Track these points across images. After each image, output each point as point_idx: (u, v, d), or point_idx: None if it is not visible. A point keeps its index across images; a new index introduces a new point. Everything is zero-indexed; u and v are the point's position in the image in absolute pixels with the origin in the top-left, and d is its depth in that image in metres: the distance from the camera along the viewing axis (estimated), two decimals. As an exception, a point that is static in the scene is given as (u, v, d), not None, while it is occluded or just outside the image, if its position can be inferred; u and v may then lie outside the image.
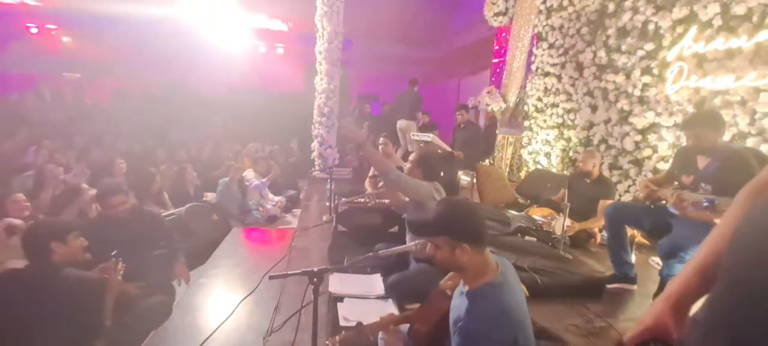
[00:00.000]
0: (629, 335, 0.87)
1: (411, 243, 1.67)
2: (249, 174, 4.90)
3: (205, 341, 1.99)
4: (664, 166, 3.80)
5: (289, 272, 1.56)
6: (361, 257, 1.58)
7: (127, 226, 2.48)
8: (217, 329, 2.10)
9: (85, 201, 2.69)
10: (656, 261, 3.31)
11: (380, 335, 1.60)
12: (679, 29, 3.83)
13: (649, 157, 4.08)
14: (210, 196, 4.54)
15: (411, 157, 2.57)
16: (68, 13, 9.95)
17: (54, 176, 3.36)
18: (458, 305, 1.35)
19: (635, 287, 2.84)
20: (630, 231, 3.01)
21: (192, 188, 4.45)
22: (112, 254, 2.11)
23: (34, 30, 10.66)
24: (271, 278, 1.55)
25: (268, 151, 6.00)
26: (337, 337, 1.49)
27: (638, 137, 4.18)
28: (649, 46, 4.09)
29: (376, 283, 2.44)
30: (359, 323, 1.51)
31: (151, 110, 8.66)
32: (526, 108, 6.18)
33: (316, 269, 1.53)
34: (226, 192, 4.51)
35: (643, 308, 2.66)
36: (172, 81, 10.29)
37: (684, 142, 3.20)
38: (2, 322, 1.68)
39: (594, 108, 4.82)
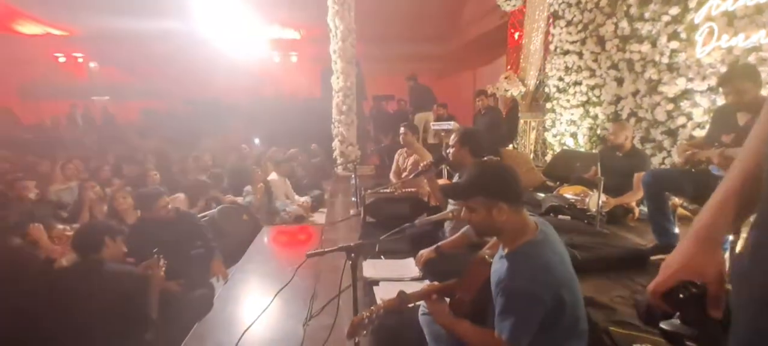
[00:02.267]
0: (655, 282, 0.73)
1: (447, 210, 1.64)
2: (273, 176, 4.98)
3: (246, 329, 2.03)
4: (701, 134, 3.62)
5: (326, 249, 1.56)
6: (396, 229, 1.56)
7: (167, 227, 2.56)
8: (257, 318, 2.13)
9: (123, 208, 2.81)
10: (700, 231, 3.15)
11: (421, 306, 1.58)
12: (706, -11, 3.66)
13: (683, 126, 3.90)
14: (238, 199, 4.65)
15: (452, 140, 2.47)
16: (92, 40, 10.46)
17: (91, 193, 3.51)
18: (499, 267, 1.32)
19: (681, 257, 2.71)
20: (671, 202, 2.87)
21: (219, 192, 4.56)
22: (154, 251, 2.17)
23: (62, 59, 11.25)
24: (308, 256, 1.56)
25: (289, 153, 6.09)
26: (380, 304, 1.48)
27: (670, 106, 4.01)
28: (675, 11, 3.92)
29: (410, 266, 2.42)
30: (401, 292, 1.50)
31: (176, 124, 8.96)
32: (546, 90, 6.04)
33: (352, 244, 1.53)
34: (253, 196, 4.61)
35: (691, 278, 2.53)
36: (193, 95, 10.65)
37: (719, 104, 3.06)
38: (59, 316, 1.75)
39: (620, 81, 4.66)
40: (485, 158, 2.35)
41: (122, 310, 1.82)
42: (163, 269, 2.13)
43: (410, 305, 1.53)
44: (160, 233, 2.44)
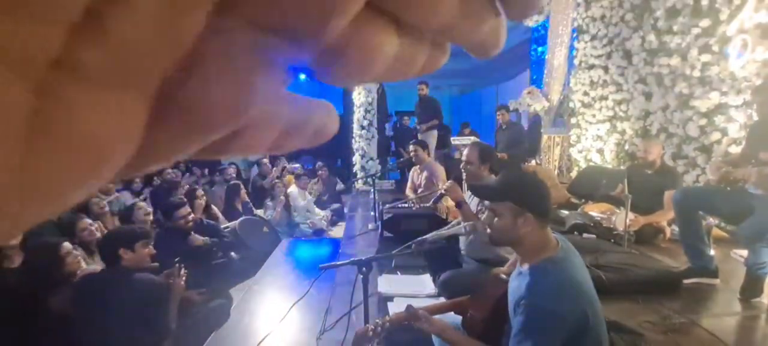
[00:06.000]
0: None
1: (461, 225, 1.62)
2: (293, 190, 5.07)
3: (261, 341, 2.04)
4: (737, 150, 3.44)
5: (339, 263, 1.57)
6: (407, 244, 1.55)
7: (188, 237, 2.65)
8: (272, 330, 2.14)
9: (139, 217, 2.93)
10: (740, 254, 2.95)
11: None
12: (737, 0, 3.52)
13: (718, 142, 3.71)
14: (259, 212, 4.75)
15: (467, 156, 2.44)
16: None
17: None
18: (518, 285, 1.27)
19: (717, 281, 2.55)
20: (705, 222, 2.72)
21: (240, 205, 4.68)
22: (175, 261, 2.24)
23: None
24: (321, 268, 1.57)
25: (310, 168, 6.21)
26: (386, 317, 1.46)
27: (703, 121, 3.83)
28: (705, 23, 3.79)
29: (426, 282, 2.39)
30: (410, 306, 1.47)
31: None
32: (571, 105, 5.91)
33: (364, 258, 1.53)
34: (273, 211, 4.72)
35: (729, 304, 2.37)
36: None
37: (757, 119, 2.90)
38: (82, 322, 1.83)
39: (648, 96, 4.51)
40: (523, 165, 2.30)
41: (143, 317, 1.88)
42: (184, 278, 2.19)
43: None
44: (181, 243, 2.52)
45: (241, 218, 3.84)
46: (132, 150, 0.10)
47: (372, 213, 4.34)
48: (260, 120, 0.12)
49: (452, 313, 1.58)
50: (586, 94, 5.59)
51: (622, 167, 4.72)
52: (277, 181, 5.37)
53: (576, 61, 5.75)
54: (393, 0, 0.11)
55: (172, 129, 0.10)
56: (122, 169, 0.10)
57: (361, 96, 6.03)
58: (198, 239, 2.73)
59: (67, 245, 2.12)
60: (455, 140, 5.30)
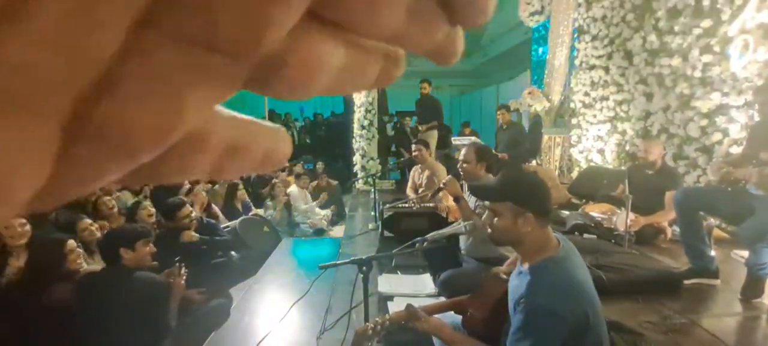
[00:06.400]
0: None
1: (460, 224, 1.62)
2: (293, 189, 5.08)
3: (261, 340, 2.04)
4: (739, 151, 3.43)
5: (339, 262, 1.57)
6: (407, 243, 1.55)
7: (182, 233, 2.65)
8: (272, 329, 2.15)
9: (142, 217, 2.94)
10: (740, 254, 2.95)
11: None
12: (739, 1, 3.52)
13: (719, 142, 3.71)
14: (259, 211, 4.76)
15: (464, 155, 2.44)
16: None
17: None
18: (518, 284, 1.27)
19: (718, 281, 2.54)
20: (706, 222, 2.72)
21: (240, 204, 4.69)
22: (176, 260, 2.25)
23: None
24: (320, 267, 1.57)
25: (310, 168, 6.21)
26: (386, 316, 1.46)
27: (704, 122, 3.83)
28: (707, 23, 3.78)
29: (426, 282, 2.38)
30: (409, 305, 1.47)
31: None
32: (572, 105, 5.91)
33: (364, 258, 1.53)
34: (274, 210, 4.72)
35: (730, 305, 2.37)
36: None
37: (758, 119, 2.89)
38: (83, 320, 1.83)
39: (649, 96, 4.50)
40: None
41: (143, 316, 1.89)
42: (184, 277, 2.19)
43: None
44: (176, 241, 2.52)
45: (241, 218, 3.85)
46: (40, 180, 0.09)
47: (372, 213, 4.35)
48: (195, 141, 0.11)
49: (452, 312, 1.58)
50: (587, 94, 5.59)
51: (622, 168, 4.71)
52: (277, 181, 5.38)
53: (577, 62, 5.75)
54: (335, 9, 0.10)
55: (90, 155, 0.09)
56: (35, 200, 0.09)
57: (361, 96, 6.04)
58: (189, 234, 2.71)
59: (71, 242, 2.12)
60: (456, 140, 5.31)
